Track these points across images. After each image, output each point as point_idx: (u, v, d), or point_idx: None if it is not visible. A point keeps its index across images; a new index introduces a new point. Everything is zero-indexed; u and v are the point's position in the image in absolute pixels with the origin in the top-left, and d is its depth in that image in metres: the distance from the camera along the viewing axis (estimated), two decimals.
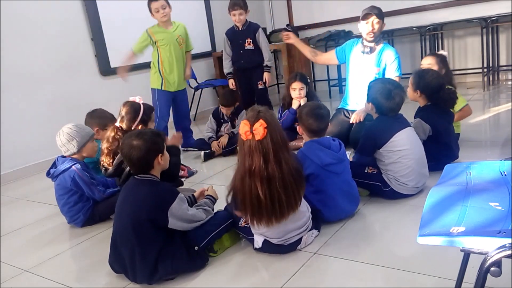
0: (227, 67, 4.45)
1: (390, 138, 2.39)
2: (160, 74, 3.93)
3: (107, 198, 2.69)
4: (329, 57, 3.80)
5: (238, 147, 1.90)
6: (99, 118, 3.11)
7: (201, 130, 4.78)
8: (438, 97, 2.75)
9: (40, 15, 4.30)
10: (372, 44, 3.40)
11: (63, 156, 2.70)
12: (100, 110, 3.22)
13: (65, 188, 2.66)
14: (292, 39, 3.77)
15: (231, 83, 4.47)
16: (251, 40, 4.26)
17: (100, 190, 2.69)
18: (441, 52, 3.30)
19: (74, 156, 2.67)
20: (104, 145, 2.67)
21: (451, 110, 2.86)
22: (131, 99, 2.80)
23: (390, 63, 3.39)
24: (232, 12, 4.19)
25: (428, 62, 3.14)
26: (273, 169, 1.81)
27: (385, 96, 2.44)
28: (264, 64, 4.30)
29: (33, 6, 4.23)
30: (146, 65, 4.13)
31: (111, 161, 2.61)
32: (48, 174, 2.70)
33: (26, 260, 2.40)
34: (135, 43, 3.96)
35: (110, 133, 2.69)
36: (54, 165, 2.70)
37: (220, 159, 3.83)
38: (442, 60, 3.13)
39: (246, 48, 4.29)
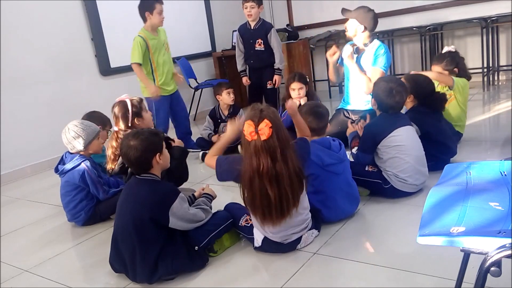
0: (240, 65, 4.37)
1: (389, 133, 2.42)
2: (154, 82, 3.78)
3: (109, 198, 2.69)
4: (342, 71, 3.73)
5: (242, 147, 1.88)
6: (100, 118, 3.10)
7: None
8: (431, 100, 2.83)
9: (40, 15, 4.30)
10: (359, 44, 3.44)
11: (70, 153, 2.70)
12: (98, 112, 3.20)
13: (73, 185, 2.66)
14: (334, 57, 3.55)
15: (245, 80, 4.40)
16: (262, 41, 4.17)
17: (105, 190, 2.69)
18: (446, 49, 3.28)
19: (81, 153, 2.68)
20: (110, 151, 2.63)
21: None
22: (117, 100, 2.73)
23: (378, 56, 3.39)
24: (244, 4, 4.10)
25: (436, 71, 3.17)
26: (281, 168, 1.80)
27: (386, 93, 2.49)
28: (276, 67, 4.22)
29: (33, 6, 4.23)
30: None
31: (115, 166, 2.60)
32: (56, 170, 2.70)
33: (26, 260, 2.40)
34: (135, 55, 3.64)
35: (111, 139, 2.65)
36: (61, 161, 2.70)
37: None
38: (449, 62, 3.14)
39: (256, 48, 4.21)
